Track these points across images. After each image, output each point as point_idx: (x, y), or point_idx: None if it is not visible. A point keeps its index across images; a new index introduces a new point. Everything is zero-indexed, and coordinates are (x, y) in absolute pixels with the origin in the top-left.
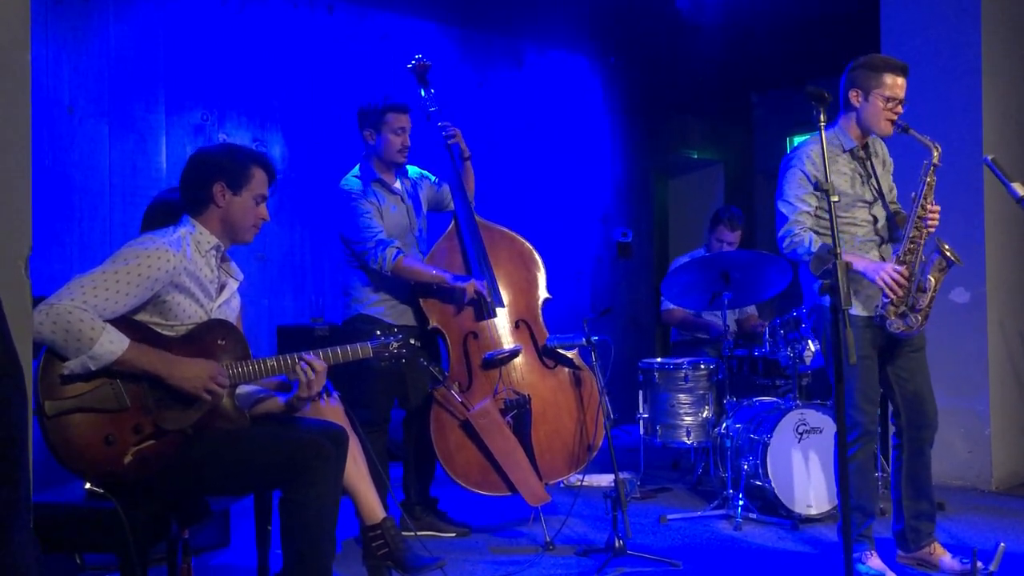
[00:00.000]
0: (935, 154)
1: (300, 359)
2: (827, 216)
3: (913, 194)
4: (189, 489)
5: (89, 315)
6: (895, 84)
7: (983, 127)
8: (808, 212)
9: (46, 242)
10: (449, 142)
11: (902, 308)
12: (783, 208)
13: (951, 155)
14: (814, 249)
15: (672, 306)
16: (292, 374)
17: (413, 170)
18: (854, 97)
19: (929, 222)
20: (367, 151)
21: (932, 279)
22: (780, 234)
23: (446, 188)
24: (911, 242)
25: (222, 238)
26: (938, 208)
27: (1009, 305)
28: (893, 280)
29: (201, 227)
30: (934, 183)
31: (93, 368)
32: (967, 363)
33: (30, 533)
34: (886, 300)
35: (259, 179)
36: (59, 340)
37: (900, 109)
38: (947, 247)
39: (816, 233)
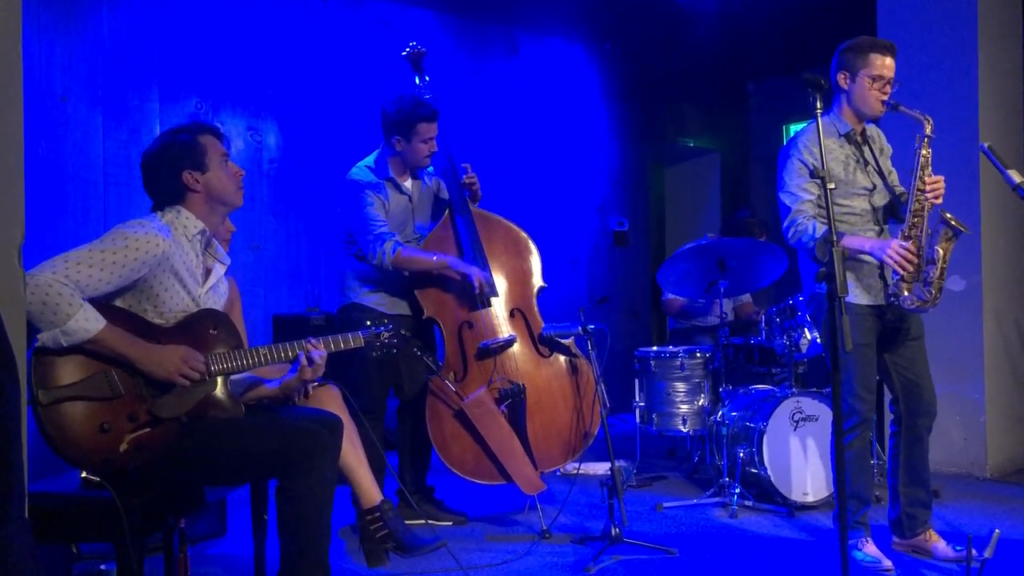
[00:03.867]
0: (927, 127)
1: (304, 343)
2: (832, 198)
3: (911, 170)
4: (185, 478)
5: (69, 290)
6: (883, 64)
7: (979, 114)
8: (811, 200)
9: (39, 231)
10: (468, 187)
11: (914, 283)
12: (785, 199)
13: (947, 143)
14: (818, 235)
15: (670, 295)
16: (285, 362)
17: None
18: (842, 80)
19: (930, 194)
20: (388, 151)
21: (940, 250)
22: (784, 225)
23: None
24: (914, 216)
25: (211, 217)
26: (939, 178)
27: (1004, 293)
28: (900, 256)
29: (187, 212)
30: (930, 155)
31: (65, 344)
32: (963, 351)
33: (25, 523)
34: (896, 276)
35: (211, 143)
36: (35, 311)
37: (889, 89)
38: (950, 216)
39: (819, 220)
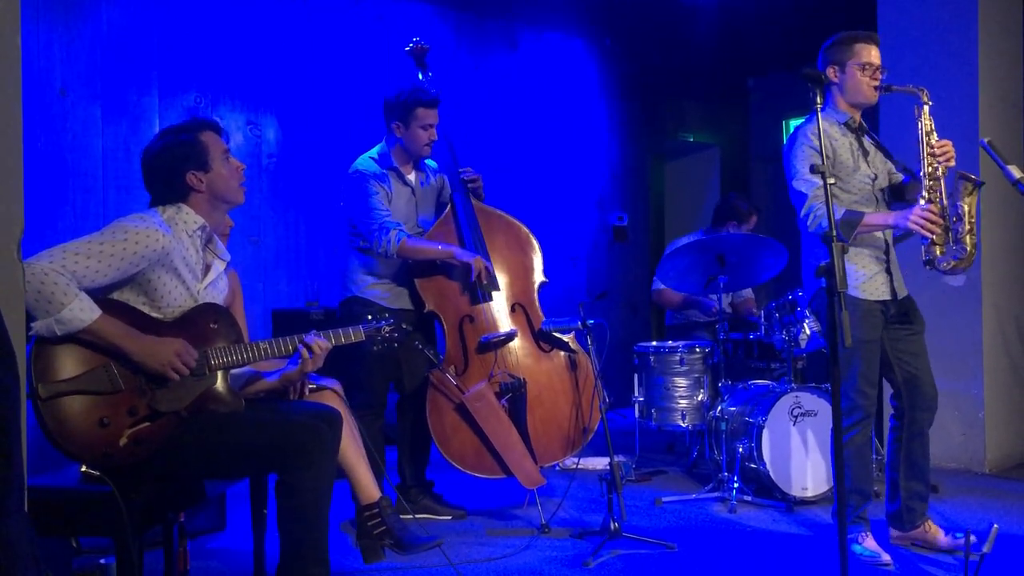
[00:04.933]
0: (923, 96)
1: (301, 340)
2: (842, 186)
3: (917, 140)
4: (185, 472)
5: (65, 279)
6: (869, 53)
7: (979, 110)
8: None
9: (39, 226)
10: (469, 185)
11: (945, 244)
12: (800, 187)
13: (947, 138)
14: (839, 216)
15: (663, 286)
16: (285, 356)
17: (431, 163)
18: (832, 74)
19: (941, 157)
20: (391, 140)
21: (964, 205)
22: (803, 213)
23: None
24: (929, 179)
25: (213, 214)
26: (947, 142)
27: (1004, 289)
28: (924, 218)
29: (188, 208)
30: (931, 122)
31: (59, 333)
32: (962, 346)
33: (25, 516)
34: (925, 241)
35: (213, 141)
36: (30, 299)
37: (879, 75)
38: (968, 174)
39: (837, 202)
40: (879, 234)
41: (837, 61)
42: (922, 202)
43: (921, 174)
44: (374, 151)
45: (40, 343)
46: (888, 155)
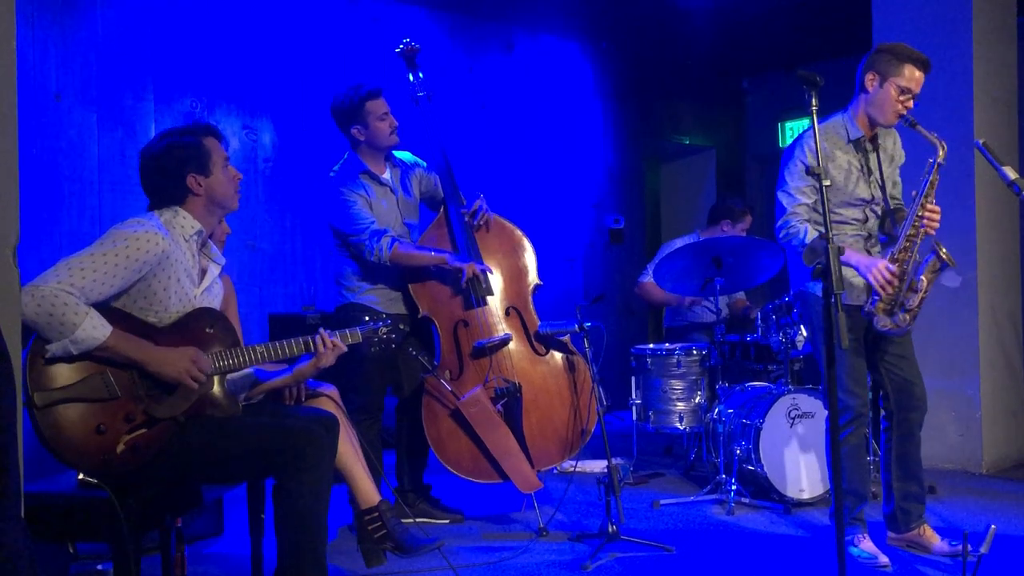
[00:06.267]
0: (940, 152)
1: (317, 335)
2: (823, 208)
3: (914, 192)
4: (182, 478)
5: (74, 299)
6: (912, 76)
7: (974, 111)
8: (807, 205)
9: (34, 231)
10: (469, 221)
11: (891, 307)
12: (783, 199)
13: (943, 138)
14: (808, 240)
15: (648, 279)
16: (282, 359)
17: (407, 156)
18: (870, 80)
19: (927, 223)
20: (355, 145)
21: (924, 280)
22: (777, 224)
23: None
24: (907, 240)
25: (208, 219)
26: (938, 209)
27: (1000, 289)
28: (884, 279)
29: (184, 212)
30: (937, 182)
31: (75, 352)
32: (958, 347)
33: (21, 522)
34: (876, 298)
35: (215, 147)
36: (42, 322)
37: (911, 103)
38: (943, 250)
39: (812, 225)
40: (861, 237)
41: (881, 72)
42: (888, 261)
43: (902, 232)
44: (342, 161)
45: (36, 350)
46: (883, 188)
